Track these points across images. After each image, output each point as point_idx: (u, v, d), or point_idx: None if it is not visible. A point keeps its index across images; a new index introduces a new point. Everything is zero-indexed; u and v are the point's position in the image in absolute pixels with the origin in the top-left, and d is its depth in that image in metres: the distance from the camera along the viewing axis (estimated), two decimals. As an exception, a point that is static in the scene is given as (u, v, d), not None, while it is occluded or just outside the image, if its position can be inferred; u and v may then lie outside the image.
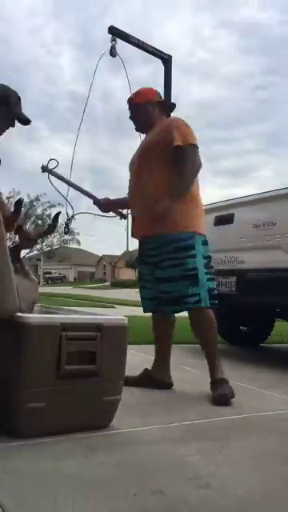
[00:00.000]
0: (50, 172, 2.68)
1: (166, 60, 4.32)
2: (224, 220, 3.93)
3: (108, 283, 42.91)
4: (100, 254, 60.03)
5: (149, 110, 2.65)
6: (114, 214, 2.91)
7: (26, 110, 1.96)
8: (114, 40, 3.60)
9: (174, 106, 2.84)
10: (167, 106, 2.82)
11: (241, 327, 5.08)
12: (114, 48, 3.58)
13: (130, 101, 2.70)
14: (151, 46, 4.14)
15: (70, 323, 1.80)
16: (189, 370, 3.23)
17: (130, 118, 2.72)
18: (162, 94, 4.22)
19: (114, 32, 3.66)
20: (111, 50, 3.56)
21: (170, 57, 4.33)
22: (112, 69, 3.44)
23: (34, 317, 1.81)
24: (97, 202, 2.87)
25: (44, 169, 2.68)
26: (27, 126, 2.00)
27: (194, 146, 2.46)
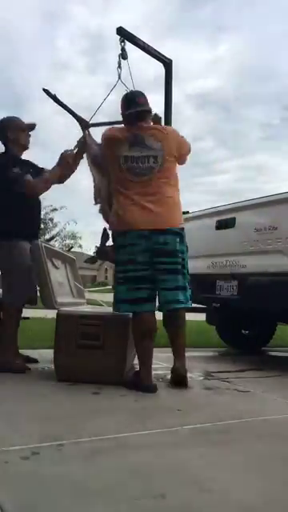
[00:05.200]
0: (51, 95, 3.04)
1: (168, 64, 4.34)
2: (225, 224, 3.93)
3: (109, 287, 42.83)
4: (102, 258, 59.90)
5: None
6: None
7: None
8: (123, 41, 3.60)
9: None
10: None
11: (243, 331, 5.07)
12: (125, 50, 3.56)
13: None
14: (154, 49, 4.17)
15: (84, 315, 2.75)
16: (189, 374, 3.22)
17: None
18: (163, 98, 4.27)
19: (123, 33, 3.66)
20: (122, 52, 3.55)
21: (170, 61, 4.35)
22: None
23: (63, 309, 2.80)
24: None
25: (47, 92, 3.01)
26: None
27: None
